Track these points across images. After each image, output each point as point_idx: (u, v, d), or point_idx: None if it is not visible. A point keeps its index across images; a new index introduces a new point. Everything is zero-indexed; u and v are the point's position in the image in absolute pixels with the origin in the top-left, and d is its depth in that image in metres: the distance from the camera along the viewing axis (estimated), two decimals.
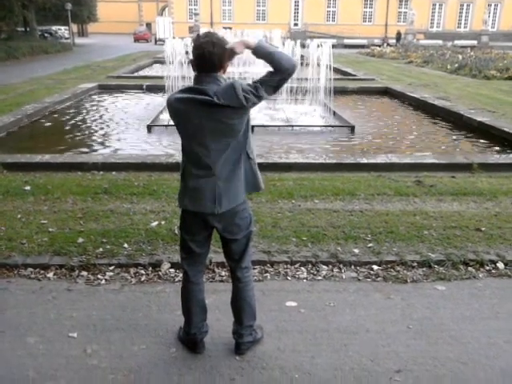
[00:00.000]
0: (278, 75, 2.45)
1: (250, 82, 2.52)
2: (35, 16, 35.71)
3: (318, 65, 11.21)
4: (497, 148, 8.05)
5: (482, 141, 8.60)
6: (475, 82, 16.62)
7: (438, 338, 3.09)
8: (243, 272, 2.86)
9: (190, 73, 11.78)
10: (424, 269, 3.97)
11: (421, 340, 3.07)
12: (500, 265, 4.02)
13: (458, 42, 40.34)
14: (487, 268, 3.99)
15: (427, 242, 4.32)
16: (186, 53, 10.99)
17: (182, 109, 2.50)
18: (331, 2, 53.10)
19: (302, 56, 12.48)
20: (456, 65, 20.67)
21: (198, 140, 2.53)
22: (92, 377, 2.71)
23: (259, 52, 2.48)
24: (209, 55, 2.41)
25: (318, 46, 11.01)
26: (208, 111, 2.44)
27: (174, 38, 20.43)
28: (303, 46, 13.14)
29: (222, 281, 3.79)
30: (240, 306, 2.90)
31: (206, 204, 2.59)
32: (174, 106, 2.53)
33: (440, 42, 40.50)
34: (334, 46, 40.82)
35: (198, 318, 2.89)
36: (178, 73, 10.95)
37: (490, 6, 50.85)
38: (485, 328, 3.20)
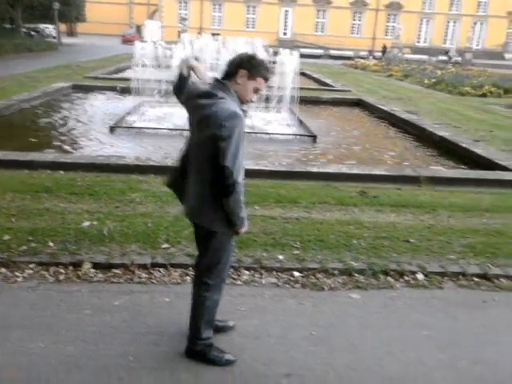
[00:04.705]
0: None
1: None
2: (22, 14, 35.49)
3: (290, 73, 11.30)
4: (451, 162, 8.17)
5: (439, 155, 8.74)
6: (449, 98, 16.86)
7: (338, 345, 3.13)
8: None
9: (158, 76, 11.84)
10: (344, 277, 4.02)
11: (321, 346, 3.11)
12: (419, 275, 4.09)
13: (443, 58, 40.87)
14: (406, 278, 4.05)
15: (354, 251, 4.38)
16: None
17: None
18: (321, 13, 53.65)
19: (274, 62, 12.57)
20: (433, 80, 20.94)
21: None
22: None
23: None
24: None
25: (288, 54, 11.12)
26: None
27: (161, 41, 20.51)
28: (276, 53, 13.24)
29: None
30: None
31: None
32: None
33: (426, 57, 41.01)
34: (320, 57, 40.74)
35: None
36: (146, 75, 10.99)
37: (475, 23, 51.73)
38: (386, 337, 3.26)
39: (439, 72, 23.84)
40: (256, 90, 2.61)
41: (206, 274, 2.82)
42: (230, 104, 2.50)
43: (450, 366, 2.99)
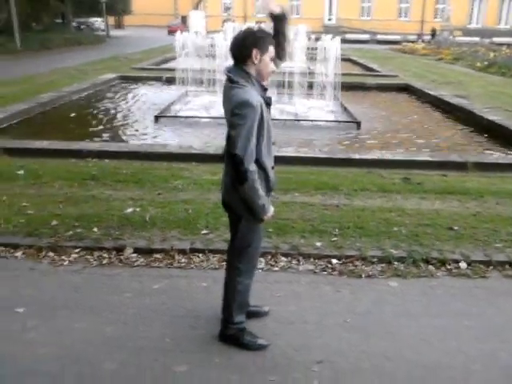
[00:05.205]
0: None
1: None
2: (72, 8, 36.55)
3: (333, 59, 11.14)
4: (500, 147, 7.85)
5: (488, 139, 8.42)
6: (502, 81, 16.14)
7: (373, 333, 3.09)
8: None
9: (203, 65, 11.95)
10: (383, 265, 3.96)
11: (356, 334, 3.08)
12: (463, 264, 3.97)
13: (496, 40, 39.09)
14: (448, 267, 3.94)
15: (393, 239, 4.30)
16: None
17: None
18: None
19: (314, 48, 12.44)
20: (486, 62, 20.09)
21: None
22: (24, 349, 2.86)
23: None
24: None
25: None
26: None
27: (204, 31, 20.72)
28: (317, 39, 13.08)
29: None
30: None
31: None
32: None
33: (478, 39, 39.32)
34: (367, 42, 39.65)
35: None
36: (190, 65, 11.10)
37: None
38: (424, 325, 3.19)
39: (492, 54, 22.83)
40: (272, 59, 2.63)
41: (238, 259, 2.86)
42: (247, 92, 2.49)
43: (490, 356, 2.90)
